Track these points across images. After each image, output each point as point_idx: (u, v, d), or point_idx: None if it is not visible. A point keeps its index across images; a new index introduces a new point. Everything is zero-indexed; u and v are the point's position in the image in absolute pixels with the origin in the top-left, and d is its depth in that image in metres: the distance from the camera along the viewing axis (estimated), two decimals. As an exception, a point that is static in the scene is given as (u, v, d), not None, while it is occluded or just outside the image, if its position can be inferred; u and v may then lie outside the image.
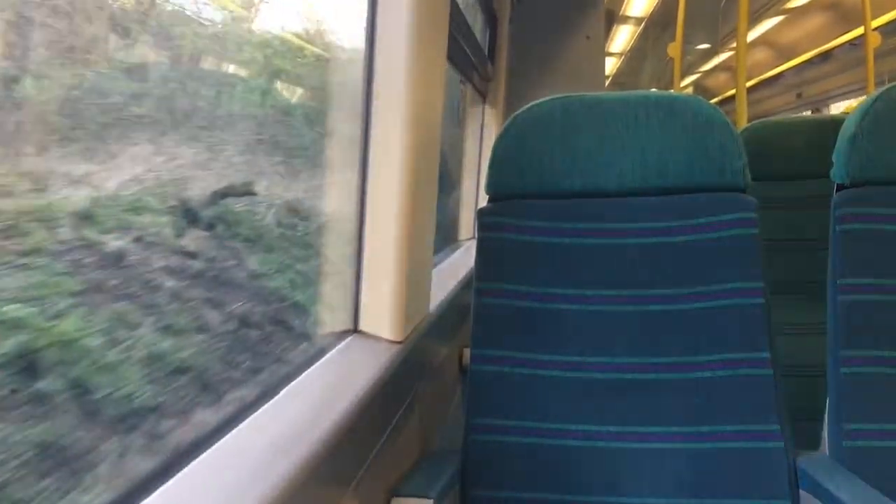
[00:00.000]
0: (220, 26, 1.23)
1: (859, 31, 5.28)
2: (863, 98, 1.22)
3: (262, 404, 0.76)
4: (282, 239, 1.30)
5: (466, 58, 2.03)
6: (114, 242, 0.86)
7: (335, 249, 1.10)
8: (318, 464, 0.66)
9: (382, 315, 1.03)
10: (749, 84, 4.16)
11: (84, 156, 0.84)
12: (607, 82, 10.20)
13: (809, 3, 7.21)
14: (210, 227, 1.08)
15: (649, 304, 1.10)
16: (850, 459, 1.05)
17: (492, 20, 2.60)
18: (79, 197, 0.83)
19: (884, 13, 5.60)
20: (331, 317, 1.06)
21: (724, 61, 9.99)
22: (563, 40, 3.03)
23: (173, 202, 1.01)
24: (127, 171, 0.90)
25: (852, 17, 6.10)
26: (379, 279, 1.03)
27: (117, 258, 0.87)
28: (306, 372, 0.87)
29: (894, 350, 1.09)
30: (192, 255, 1.03)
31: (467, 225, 2.58)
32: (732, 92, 3.84)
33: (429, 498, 0.93)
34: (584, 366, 1.10)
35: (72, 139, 0.84)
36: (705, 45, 9.38)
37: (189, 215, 1.04)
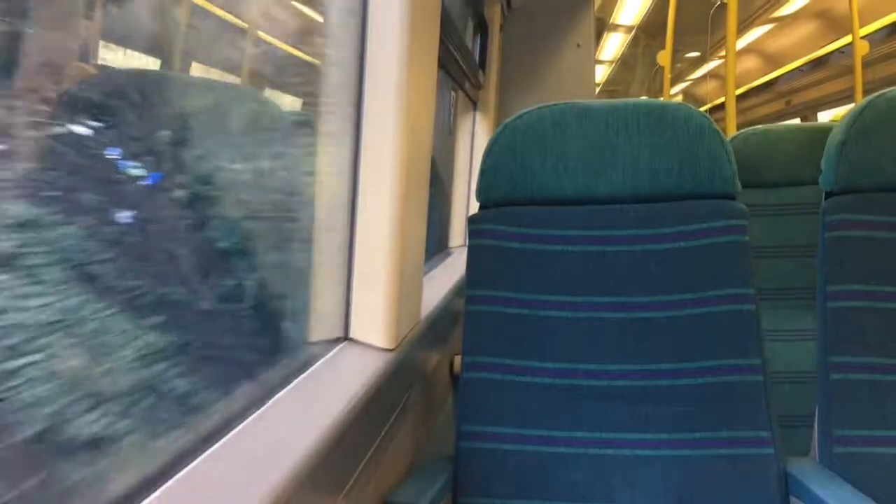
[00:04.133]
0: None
1: (847, 39, 5.32)
2: (851, 106, 1.23)
3: (253, 412, 0.76)
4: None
5: (457, 65, 2.03)
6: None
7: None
8: (309, 472, 0.66)
9: (374, 323, 1.03)
10: (738, 92, 4.19)
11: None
12: (598, 90, 10.27)
13: (798, 11, 7.26)
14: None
15: (639, 311, 1.11)
16: (840, 465, 1.06)
17: (483, 28, 2.61)
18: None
19: (871, 21, 5.65)
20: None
21: (713, 69, 10.05)
22: (554, 48, 3.04)
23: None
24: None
25: (840, 26, 6.16)
26: (370, 287, 1.03)
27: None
28: (297, 380, 0.86)
29: (883, 356, 1.09)
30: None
31: (458, 233, 2.58)
32: (722, 100, 3.87)
33: None
34: (574, 373, 1.10)
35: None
36: (695, 54, 9.44)
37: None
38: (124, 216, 0.77)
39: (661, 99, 4.35)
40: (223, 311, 0.85)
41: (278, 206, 1.03)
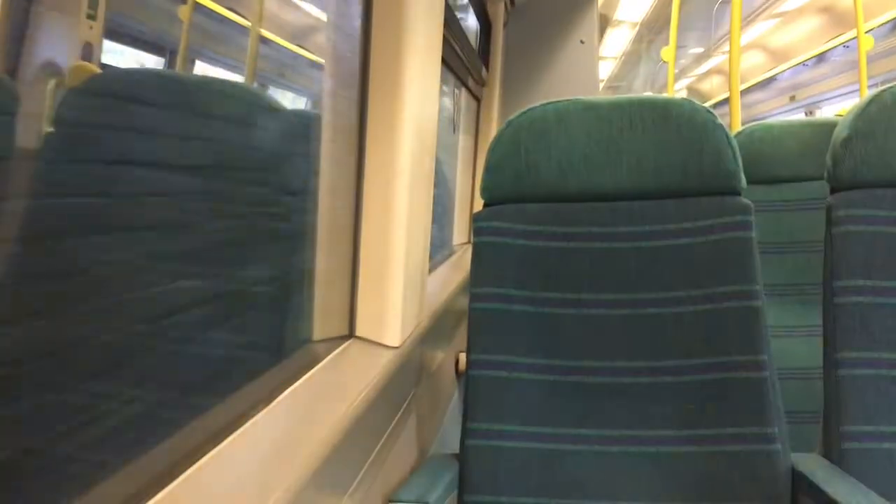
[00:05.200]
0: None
1: (852, 33, 5.31)
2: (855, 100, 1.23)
3: (259, 410, 0.76)
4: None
5: (461, 62, 2.03)
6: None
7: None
8: (315, 470, 0.66)
9: (379, 320, 1.03)
10: (742, 87, 4.18)
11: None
12: (601, 86, 10.25)
13: (802, 6, 7.24)
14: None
15: (645, 308, 1.10)
16: (847, 461, 1.06)
17: (486, 25, 2.61)
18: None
19: (876, 16, 5.63)
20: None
21: (717, 65, 10.03)
22: (558, 45, 3.04)
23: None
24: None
25: (845, 21, 6.14)
26: (376, 285, 1.03)
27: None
28: (303, 378, 0.87)
29: (890, 352, 1.09)
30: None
31: (462, 230, 2.58)
32: (726, 95, 3.86)
33: None
34: (580, 370, 1.10)
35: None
36: (699, 49, 9.43)
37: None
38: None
39: (665, 95, 4.34)
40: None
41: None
